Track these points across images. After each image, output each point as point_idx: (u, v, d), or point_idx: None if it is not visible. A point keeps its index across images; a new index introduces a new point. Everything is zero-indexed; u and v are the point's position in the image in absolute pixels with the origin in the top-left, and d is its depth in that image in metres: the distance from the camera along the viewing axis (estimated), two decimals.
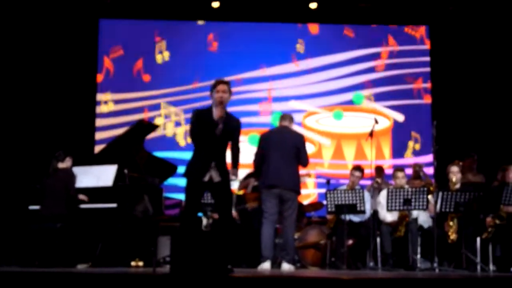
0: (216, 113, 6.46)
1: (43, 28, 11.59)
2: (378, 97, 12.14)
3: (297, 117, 10.99)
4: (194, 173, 6.54)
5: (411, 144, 11.99)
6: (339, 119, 12.05)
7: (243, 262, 9.11)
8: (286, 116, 8.33)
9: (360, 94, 12.09)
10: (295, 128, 8.55)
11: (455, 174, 8.70)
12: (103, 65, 11.95)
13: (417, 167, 9.96)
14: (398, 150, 12.00)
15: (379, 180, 9.82)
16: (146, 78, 11.99)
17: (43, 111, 11.48)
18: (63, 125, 11.42)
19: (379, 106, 12.06)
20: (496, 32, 11.82)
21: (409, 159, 11.72)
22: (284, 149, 7.94)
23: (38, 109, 11.47)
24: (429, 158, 10.90)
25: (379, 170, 10.23)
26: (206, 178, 6.48)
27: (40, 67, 11.58)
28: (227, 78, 6.98)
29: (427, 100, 12.14)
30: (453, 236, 8.40)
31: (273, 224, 7.98)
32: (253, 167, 8.38)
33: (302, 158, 8.00)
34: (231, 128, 6.60)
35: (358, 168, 9.28)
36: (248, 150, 10.61)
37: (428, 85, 12.18)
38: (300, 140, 8.10)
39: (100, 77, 11.93)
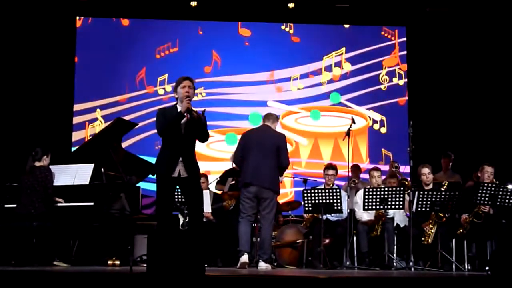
0: (183, 105, 6.53)
1: (21, 28, 11.53)
2: (354, 100, 12.18)
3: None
4: (163, 170, 6.62)
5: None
6: (317, 119, 12.07)
7: (220, 260, 9.12)
8: (270, 115, 8.31)
9: (337, 94, 12.10)
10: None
11: (427, 176, 8.79)
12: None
13: (394, 167, 10.00)
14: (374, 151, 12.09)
15: (355, 179, 9.86)
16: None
17: (19, 109, 11.39)
18: (39, 122, 11.33)
19: (356, 107, 12.12)
20: (471, 33, 11.91)
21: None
22: (264, 148, 7.93)
23: (14, 106, 11.38)
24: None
25: (356, 168, 10.26)
26: (175, 174, 6.56)
27: (18, 65, 11.51)
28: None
29: (402, 102, 12.20)
30: (430, 239, 8.45)
31: (250, 222, 8.02)
32: (234, 165, 8.38)
33: (282, 158, 7.98)
34: (196, 122, 6.59)
35: (330, 166, 9.26)
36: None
37: (402, 82, 12.26)
38: (281, 140, 8.08)
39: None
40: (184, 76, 6.75)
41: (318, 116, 12.08)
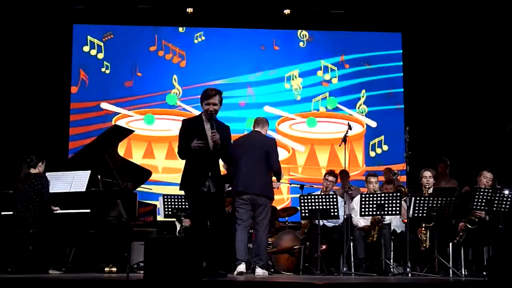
0: (211, 135, 6.69)
1: (17, 34, 11.53)
2: (351, 104, 12.21)
3: (271, 123, 11.16)
4: (193, 184, 6.78)
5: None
6: (313, 126, 12.06)
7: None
8: (259, 120, 8.27)
9: (313, 119, 12.13)
10: (269, 133, 8.47)
11: (428, 179, 8.75)
12: (79, 76, 11.92)
13: (392, 174, 9.92)
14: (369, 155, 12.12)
15: (349, 187, 9.79)
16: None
17: (15, 116, 11.38)
18: (36, 129, 11.31)
19: (351, 112, 12.16)
20: (467, 39, 11.90)
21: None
22: (254, 155, 7.89)
23: (10, 113, 11.37)
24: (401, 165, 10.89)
25: (345, 174, 10.18)
26: (205, 188, 6.73)
27: (13, 71, 11.50)
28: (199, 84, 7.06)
29: (399, 106, 12.23)
30: (426, 244, 8.46)
31: (246, 229, 7.97)
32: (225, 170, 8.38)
33: (272, 163, 7.92)
34: (222, 137, 6.77)
35: (331, 173, 9.26)
36: None
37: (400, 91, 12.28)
38: (270, 145, 8.03)
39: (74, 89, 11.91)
40: (213, 89, 6.84)
41: (314, 123, 12.07)
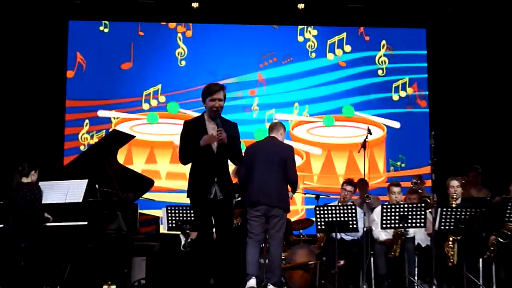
0: (204, 139, 6.40)
1: (11, 31, 11.37)
2: (370, 105, 11.89)
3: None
4: (198, 191, 6.49)
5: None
6: (330, 126, 11.77)
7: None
8: (275, 125, 8.00)
9: (330, 117, 11.83)
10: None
11: (455, 188, 8.43)
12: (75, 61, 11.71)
13: (415, 182, 9.60)
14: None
15: (369, 196, 9.42)
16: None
17: (8, 117, 11.21)
18: (28, 135, 11.16)
19: (370, 116, 11.87)
20: (496, 35, 11.58)
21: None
22: (270, 163, 7.58)
23: (3, 114, 11.21)
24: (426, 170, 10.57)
25: (363, 183, 9.81)
26: (211, 195, 6.45)
27: (4, 73, 11.35)
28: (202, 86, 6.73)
29: (423, 106, 11.91)
30: (453, 259, 8.16)
31: (258, 243, 7.74)
32: (238, 182, 8.09)
33: (289, 173, 7.62)
34: (230, 135, 6.49)
35: (349, 181, 9.00)
36: None
37: (423, 92, 11.99)
38: (287, 153, 7.71)
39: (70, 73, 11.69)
40: (216, 83, 6.62)
41: (332, 122, 11.79)
